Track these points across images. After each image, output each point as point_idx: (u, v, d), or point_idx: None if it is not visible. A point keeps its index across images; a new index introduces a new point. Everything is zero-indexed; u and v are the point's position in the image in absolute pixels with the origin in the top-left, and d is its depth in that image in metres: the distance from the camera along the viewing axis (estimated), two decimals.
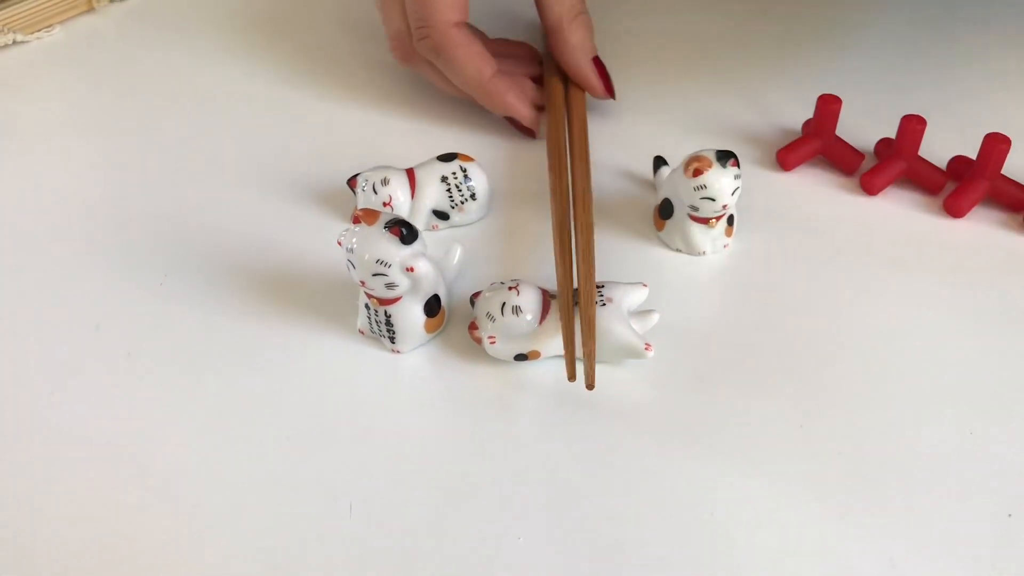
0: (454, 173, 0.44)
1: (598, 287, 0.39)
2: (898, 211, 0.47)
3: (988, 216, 0.47)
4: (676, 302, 0.42)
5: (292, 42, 0.59)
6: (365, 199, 0.44)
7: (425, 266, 0.37)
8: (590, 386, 0.36)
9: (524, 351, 0.38)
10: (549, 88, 0.51)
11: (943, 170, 0.48)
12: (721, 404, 0.38)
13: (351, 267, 0.37)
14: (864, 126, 0.51)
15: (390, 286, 0.37)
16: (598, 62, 0.51)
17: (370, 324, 0.39)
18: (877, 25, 0.62)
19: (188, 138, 0.51)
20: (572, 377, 0.36)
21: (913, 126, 0.46)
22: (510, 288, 0.38)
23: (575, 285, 0.39)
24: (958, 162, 0.48)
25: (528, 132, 0.51)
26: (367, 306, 0.39)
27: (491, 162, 0.48)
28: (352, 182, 0.45)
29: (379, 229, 0.36)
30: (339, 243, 0.37)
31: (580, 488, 0.35)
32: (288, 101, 0.54)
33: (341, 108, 0.53)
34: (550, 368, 0.39)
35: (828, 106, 0.48)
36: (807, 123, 0.51)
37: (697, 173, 0.41)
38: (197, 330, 0.40)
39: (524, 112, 0.50)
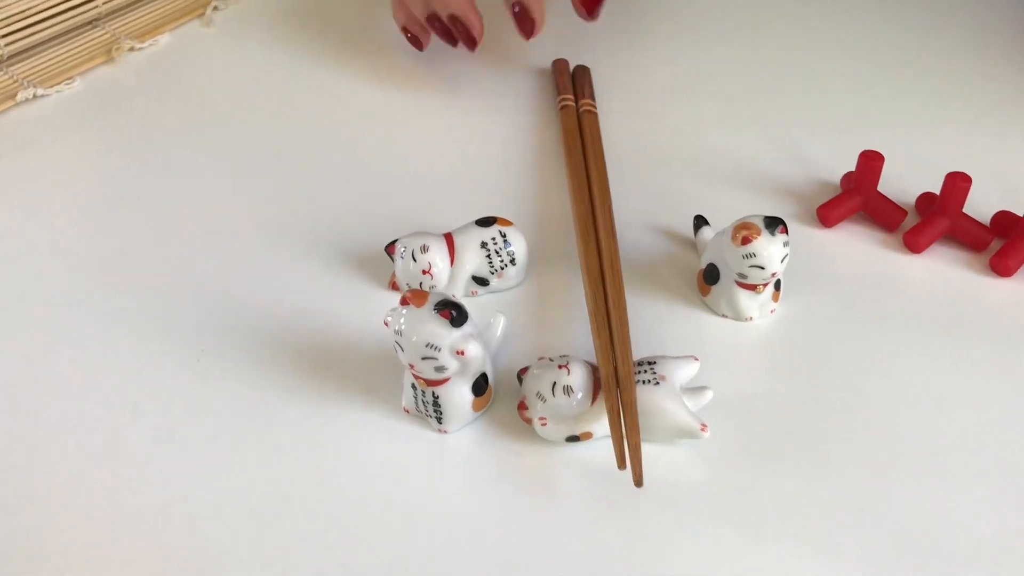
0: (493, 238, 0.44)
1: (649, 363, 0.38)
2: (943, 269, 0.46)
3: None
4: (725, 372, 0.41)
5: (325, 100, 0.58)
6: (404, 266, 0.43)
7: (476, 349, 0.36)
8: (638, 483, 0.35)
9: (576, 432, 0.37)
10: (568, 145, 0.50)
11: (988, 227, 0.47)
12: (778, 483, 0.37)
13: (399, 349, 0.36)
14: (903, 180, 0.50)
15: (440, 369, 0.36)
16: None
17: (416, 403, 0.38)
18: (914, 79, 0.61)
19: (216, 198, 0.50)
20: (622, 465, 0.35)
21: (958, 183, 0.46)
22: (560, 366, 0.37)
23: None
24: (1002, 217, 0.47)
25: (469, 42, 0.53)
26: (414, 386, 0.38)
27: (525, 224, 0.47)
28: (391, 249, 0.44)
29: (429, 311, 0.35)
30: (386, 324, 0.36)
31: None
32: (322, 162, 0.53)
33: (377, 170, 0.52)
34: (602, 448, 0.38)
35: (870, 162, 0.47)
36: (846, 177, 0.50)
37: (746, 241, 0.40)
38: (237, 408, 0.39)
39: (472, 20, 0.52)
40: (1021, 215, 0.47)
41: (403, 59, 0.61)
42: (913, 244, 0.47)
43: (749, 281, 0.42)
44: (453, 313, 0.35)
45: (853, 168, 0.50)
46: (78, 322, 0.43)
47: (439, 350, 0.35)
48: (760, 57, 0.62)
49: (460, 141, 0.54)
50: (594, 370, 0.38)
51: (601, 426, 0.37)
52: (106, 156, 0.53)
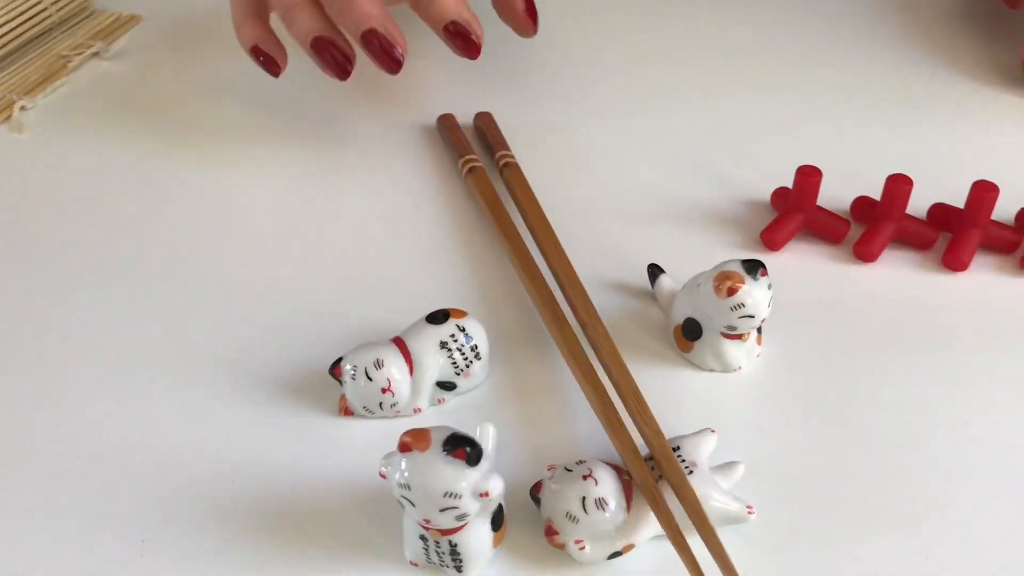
0: (452, 335, 0.38)
1: (672, 449, 0.34)
2: (900, 275, 0.45)
3: (986, 262, 0.46)
4: (732, 433, 0.37)
5: (185, 192, 0.50)
6: (357, 388, 0.37)
7: (499, 484, 0.31)
8: None
9: (619, 548, 0.33)
10: (494, 212, 0.46)
11: (930, 224, 0.46)
12: (830, 553, 0.34)
13: (407, 505, 0.30)
14: (827, 189, 0.49)
15: (461, 517, 0.30)
16: None
17: (427, 555, 0.32)
18: (814, 88, 0.60)
19: (106, 317, 0.42)
20: None
21: (900, 186, 0.45)
22: (584, 477, 0.33)
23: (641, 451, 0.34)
24: (939, 211, 0.47)
25: (391, 63, 0.46)
26: (423, 537, 0.32)
27: (467, 309, 0.42)
28: (336, 370, 0.38)
29: (438, 454, 0.30)
30: (383, 476, 0.31)
31: None
32: (201, 270, 0.45)
33: (271, 272, 0.45)
34: (645, 555, 0.33)
35: (808, 178, 0.45)
36: (777, 195, 0.48)
37: (732, 292, 0.37)
38: None
39: (393, 35, 0.46)
40: (956, 206, 0.46)
41: (265, 135, 0.54)
42: (866, 254, 0.45)
43: (738, 331, 0.39)
44: (468, 450, 0.30)
45: (779, 184, 0.48)
46: None
47: (460, 497, 0.30)
48: (658, 83, 0.59)
49: (358, 224, 0.48)
50: (618, 471, 0.34)
51: (643, 533, 0.33)
52: None
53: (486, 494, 0.30)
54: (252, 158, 0.52)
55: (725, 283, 0.37)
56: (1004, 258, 0.46)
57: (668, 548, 0.33)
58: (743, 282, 0.37)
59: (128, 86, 0.59)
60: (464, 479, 0.30)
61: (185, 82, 0.59)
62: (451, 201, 0.50)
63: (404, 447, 0.30)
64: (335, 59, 0.47)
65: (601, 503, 0.32)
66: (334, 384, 0.39)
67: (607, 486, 0.33)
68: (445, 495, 0.30)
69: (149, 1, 0.67)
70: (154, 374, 0.40)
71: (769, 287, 0.38)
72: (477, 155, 0.50)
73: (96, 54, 0.61)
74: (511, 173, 0.49)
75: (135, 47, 0.62)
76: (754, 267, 0.38)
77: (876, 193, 0.46)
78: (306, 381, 0.40)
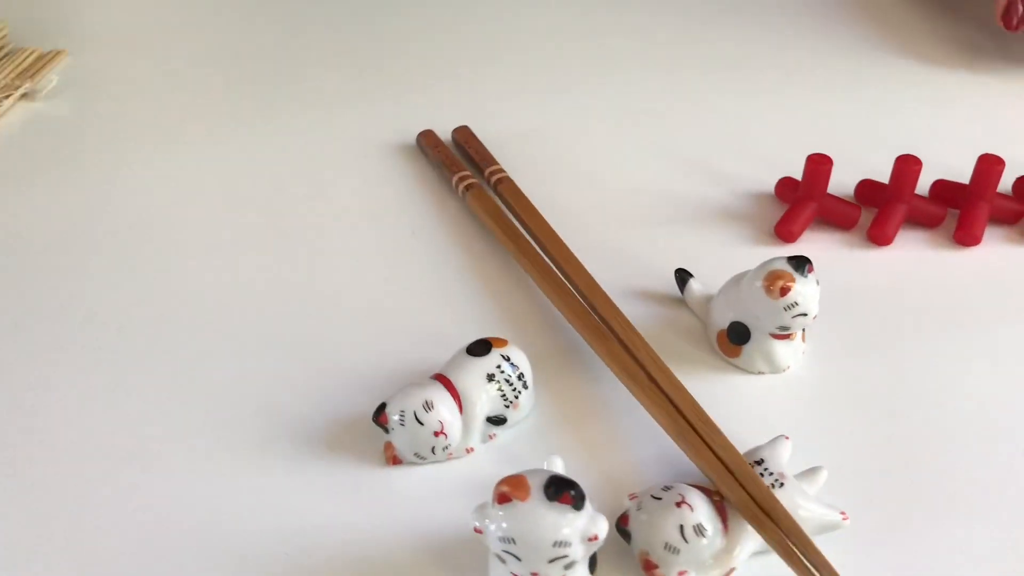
0: (499, 366, 0.36)
1: (756, 463, 0.33)
2: (916, 255, 0.45)
3: (994, 235, 0.46)
4: (799, 436, 0.36)
5: (157, 243, 0.47)
6: (408, 434, 0.35)
7: (606, 525, 0.29)
8: None
9: (722, 573, 0.31)
10: (503, 229, 0.44)
11: (937, 202, 0.46)
12: (925, 546, 0.33)
13: (510, 560, 0.28)
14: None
15: (570, 566, 0.28)
16: None
17: None
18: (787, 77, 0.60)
19: (88, 399, 0.38)
20: None
21: (910, 167, 0.44)
22: (678, 504, 0.31)
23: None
24: (940, 188, 0.47)
25: None
26: None
27: (499, 335, 0.39)
28: (382, 418, 0.35)
29: (541, 501, 0.28)
30: (478, 531, 0.28)
31: None
32: (208, 327, 0.42)
33: (290, 324, 0.42)
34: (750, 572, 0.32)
35: (819, 166, 0.45)
36: (783, 184, 0.48)
37: (784, 292, 0.36)
38: None
39: None
40: (960, 183, 0.46)
41: (232, 177, 0.50)
42: (881, 238, 0.45)
43: (792, 331, 0.38)
44: (572, 493, 0.28)
45: (779, 175, 0.48)
46: None
47: (570, 545, 0.28)
48: (637, 84, 0.58)
49: (359, 259, 0.45)
50: (707, 493, 0.32)
51: (742, 554, 0.31)
52: None
53: (595, 538, 0.28)
54: (224, 203, 0.49)
55: (777, 283, 0.36)
56: (1010, 229, 0.46)
57: (766, 566, 0.32)
58: (794, 281, 0.36)
59: (67, 128, 0.54)
60: (572, 525, 0.28)
61: (130, 119, 0.55)
62: (449, 222, 0.47)
63: (503, 498, 0.28)
64: None
65: (700, 529, 0.31)
66: (374, 432, 0.36)
67: (702, 511, 0.31)
68: (555, 545, 0.27)
69: (68, 32, 0.62)
70: (176, 446, 0.37)
71: (817, 283, 0.37)
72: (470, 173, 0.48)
73: (25, 95, 0.56)
74: (506, 188, 0.47)
75: (66, 85, 0.57)
76: (801, 264, 0.37)
77: (870, 176, 0.46)
78: (343, 434, 0.37)
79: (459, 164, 0.48)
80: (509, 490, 0.28)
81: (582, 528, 0.28)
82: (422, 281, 0.44)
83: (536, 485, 0.28)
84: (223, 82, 0.58)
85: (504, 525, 0.28)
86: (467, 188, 0.47)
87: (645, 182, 0.50)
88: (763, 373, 0.39)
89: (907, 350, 0.40)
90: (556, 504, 0.28)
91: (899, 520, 0.34)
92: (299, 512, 0.34)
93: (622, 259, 0.45)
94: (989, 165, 0.44)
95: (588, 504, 0.28)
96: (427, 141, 0.51)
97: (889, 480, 0.35)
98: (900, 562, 0.33)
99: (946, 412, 0.38)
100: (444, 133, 0.52)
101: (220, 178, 0.50)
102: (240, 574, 0.32)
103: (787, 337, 0.38)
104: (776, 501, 0.31)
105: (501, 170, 0.48)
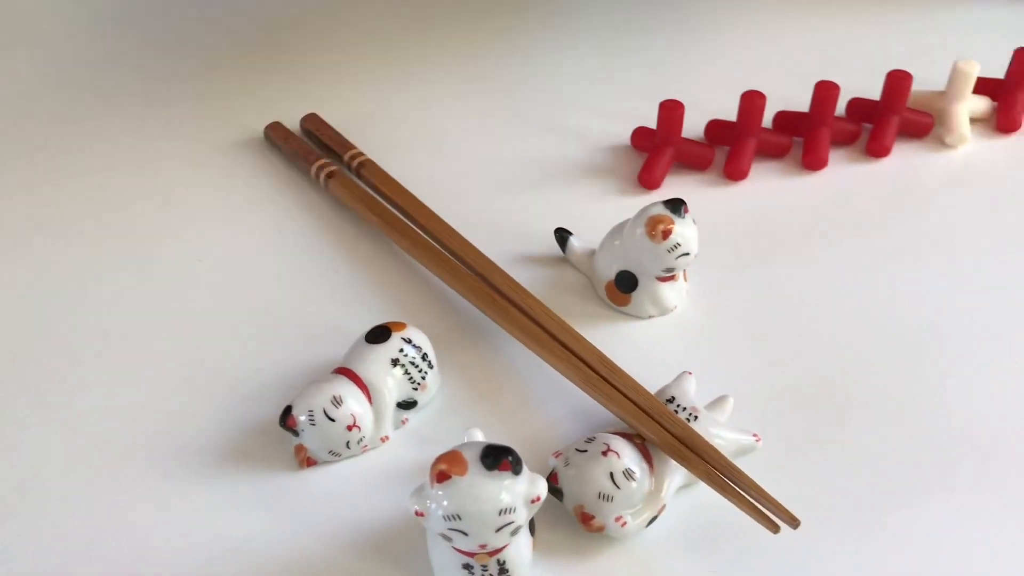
0: (401, 350, 0.36)
1: (667, 401, 0.34)
2: (770, 185, 0.47)
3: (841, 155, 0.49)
4: (699, 371, 0.37)
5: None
6: (320, 433, 0.34)
7: (545, 485, 0.29)
8: (797, 523, 0.31)
9: (655, 513, 0.32)
10: (378, 214, 0.43)
11: (783, 133, 0.49)
12: (840, 449, 0.35)
13: (457, 536, 0.28)
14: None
15: (516, 530, 0.28)
16: None
17: None
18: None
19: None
20: (778, 529, 0.31)
21: (755, 102, 0.46)
22: (604, 453, 0.32)
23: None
24: (783, 118, 0.50)
25: None
26: (467, 566, 0.29)
27: (387, 319, 0.39)
28: (290, 421, 0.34)
29: (480, 473, 0.27)
30: (419, 514, 0.28)
31: None
32: (87, 348, 0.39)
33: (176, 338, 0.40)
34: (676, 511, 0.33)
35: (672, 111, 0.46)
36: (638, 133, 0.49)
37: (667, 235, 0.37)
38: None
39: None
40: (801, 112, 0.49)
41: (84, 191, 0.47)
42: (736, 173, 0.47)
43: (675, 272, 0.39)
44: (510, 459, 0.28)
45: (632, 126, 0.49)
46: None
47: (515, 511, 0.28)
48: (482, 54, 0.58)
49: (230, 265, 0.43)
50: (628, 437, 0.33)
51: (668, 493, 0.32)
52: None
53: (537, 499, 0.28)
54: (69, 231, 0.46)
55: (658, 227, 0.37)
56: (850, 149, 0.49)
57: (693, 497, 0.33)
58: (673, 223, 0.37)
59: None
60: (514, 491, 0.28)
61: None
62: (315, 213, 0.46)
63: (442, 476, 0.27)
64: None
65: (629, 474, 0.31)
66: (283, 437, 0.35)
67: (628, 455, 0.32)
68: (500, 513, 0.27)
69: None
70: (74, 483, 0.34)
71: (694, 222, 0.38)
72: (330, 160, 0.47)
73: None
74: (370, 170, 0.46)
75: None
76: (677, 206, 0.38)
77: (717, 116, 0.48)
78: (251, 444, 0.35)
79: (315, 153, 0.47)
80: (447, 467, 0.27)
81: (524, 492, 0.28)
82: (302, 278, 0.42)
83: (472, 458, 0.28)
84: (46, 95, 0.53)
85: (445, 503, 0.27)
86: (328, 176, 0.45)
87: (504, 149, 0.50)
88: (653, 316, 0.40)
89: (778, 272, 0.43)
90: (496, 473, 0.27)
91: (805, 431, 0.36)
92: (225, 530, 0.33)
93: (496, 227, 0.45)
94: (825, 91, 0.47)
95: (525, 467, 0.28)
96: (276, 134, 0.49)
97: (788, 395, 0.37)
98: (814, 471, 0.34)
99: (823, 323, 0.40)
100: (292, 124, 0.51)
101: (55, 206, 0.46)
102: None
103: (671, 279, 0.40)
104: (695, 434, 0.32)
105: (361, 153, 0.47)
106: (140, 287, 0.42)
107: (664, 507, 0.32)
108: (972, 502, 0.33)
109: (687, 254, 0.38)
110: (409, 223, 0.43)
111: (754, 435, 0.34)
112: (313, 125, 0.50)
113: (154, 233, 0.45)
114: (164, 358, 0.39)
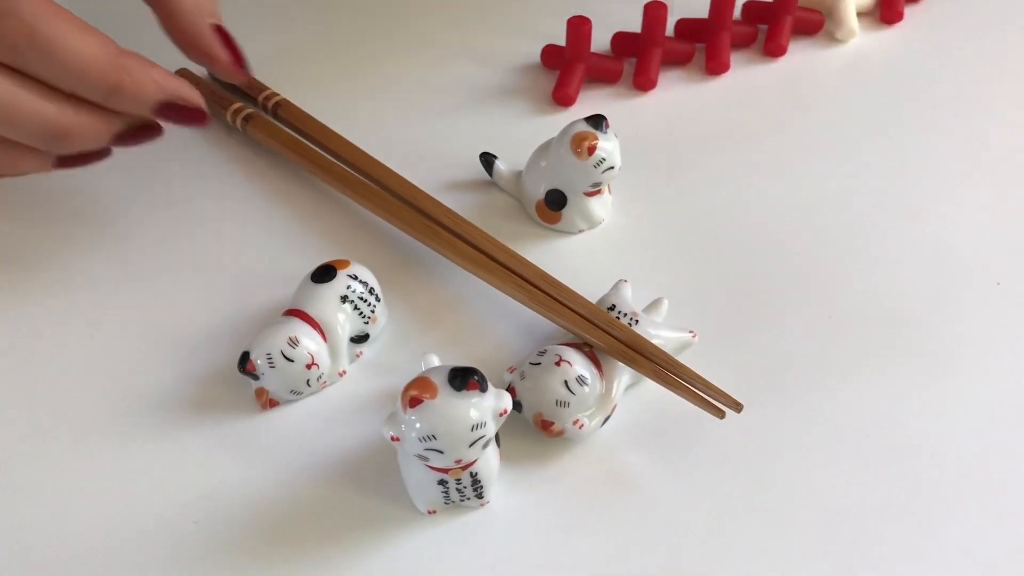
0: (348, 286, 0.36)
1: (609, 309, 0.36)
2: (676, 92, 0.49)
3: (743, 57, 0.51)
4: (634, 276, 0.39)
5: None
6: (281, 374, 0.35)
7: (510, 398, 0.30)
8: (738, 407, 0.33)
9: (608, 413, 0.34)
10: (304, 155, 0.43)
11: (686, 40, 0.50)
12: (771, 338, 0.38)
13: (433, 455, 0.29)
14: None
15: (486, 443, 0.30)
16: (222, 31, 0.37)
17: (447, 497, 0.32)
18: None
19: None
20: (720, 414, 0.33)
21: (658, 11, 0.48)
22: (556, 363, 0.33)
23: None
24: (684, 25, 0.51)
25: (198, 118, 0.37)
26: (442, 482, 0.31)
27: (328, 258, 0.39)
28: (249, 366, 0.35)
29: (450, 394, 0.29)
30: (394, 439, 0.29)
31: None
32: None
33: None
34: (626, 409, 0.35)
35: (580, 27, 0.47)
36: (547, 53, 0.50)
37: (592, 151, 0.39)
38: None
39: (186, 90, 0.36)
40: (700, 19, 0.51)
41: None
42: (646, 83, 0.49)
43: (602, 186, 0.41)
44: (476, 378, 0.29)
45: (542, 44, 0.50)
46: None
47: (486, 425, 0.29)
48: None
49: (165, 220, 0.43)
50: (577, 347, 0.35)
51: (617, 395, 0.35)
52: None
53: (504, 412, 0.30)
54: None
55: (583, 144, 0.39)
56: (749, 51, 0.51)
57: (641, 395, 0.35)
58: (597, 139, 0.39)
59: None
60: (482, 407, 0.29)
61: None
62: (237, 159, 0.46)
63: (414, 401, 0.29)
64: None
65: (582, 380, 0.33)
66: (241, 383, 0.36)
67: (579, 363, 0.34)
68: (473, 428, 0.29)
69: None
70: (32, 450, 0.34)
71: (616, 136, 0.40)
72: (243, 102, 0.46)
73: None
74: (287, 111, 0.46)
75: None
76: (599, 122, 0.39)
77: (620, 28, 0.50)
78: (210, 393, 0.36)
79: (228, 98, 0.47)
80: (418, 392, 0.29)
81: (492, 407, 0.30)
82: (234, 225, 0.42)
83: (440, 381, 0.29)
84: None
85: (418, 426, 0.29)
86: (246, 120, 0.45)
87: (411, 76, 0.50)
88: (583, 231, 0.42)
89: (695, 176, 0.45)
90: (465, 392, 0.29)
91: (738, 323, 0.38)
92: (193, 480, 0.34)
93: (420, 156, 0.45)
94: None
95: (490, 384, 0.30)
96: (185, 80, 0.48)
97: (718, 291, 0.40)
98: (750, 359, 0.37)
99: (743, 220, 0.43)
100: (198, 69, 0.50)
101: None
102: (155, 554, 0.31)
103: (598, 193, 0.41)
104: (638, 336, 0.35)
105: (275, 93, 0.47)
106: (69, 248, 0.41)
107: (615, 407, 0.35)
108: (904, 372, 0.37)
109: (612, 168, 0.40)
110: (336, 160, 0.43)
111: (690, 331, 0.36)
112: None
113: (80, 205, 0.44)
114: (106, 319, 0.39)
